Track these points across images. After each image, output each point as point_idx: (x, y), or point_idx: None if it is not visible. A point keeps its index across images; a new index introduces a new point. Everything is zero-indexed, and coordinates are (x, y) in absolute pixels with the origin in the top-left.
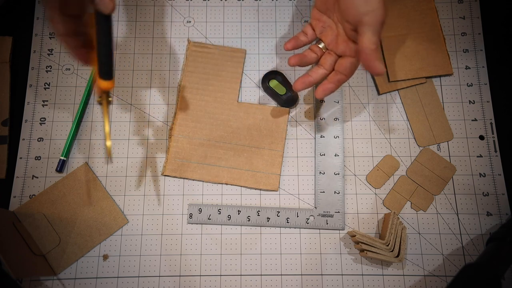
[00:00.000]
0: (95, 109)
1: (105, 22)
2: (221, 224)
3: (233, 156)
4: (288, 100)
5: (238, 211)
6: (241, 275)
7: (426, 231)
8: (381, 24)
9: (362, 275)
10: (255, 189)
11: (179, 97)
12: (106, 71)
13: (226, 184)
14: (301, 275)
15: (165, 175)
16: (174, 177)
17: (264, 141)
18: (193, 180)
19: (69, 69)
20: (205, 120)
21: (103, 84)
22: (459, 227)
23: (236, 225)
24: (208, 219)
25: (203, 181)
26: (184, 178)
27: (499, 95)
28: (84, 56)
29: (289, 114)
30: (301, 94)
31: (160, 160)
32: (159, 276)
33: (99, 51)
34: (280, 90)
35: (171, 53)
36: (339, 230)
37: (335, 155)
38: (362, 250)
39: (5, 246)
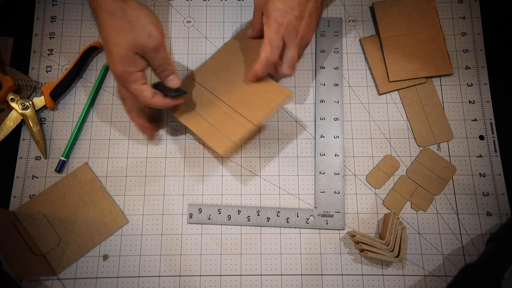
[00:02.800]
0: (95, 109)
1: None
2: (221, 224)
3: (214, 109)
4: (178, 90)
5: (238, 211)
6: (241, 275)
7: (426, 231)
8: None
9: (362, 275)
10: (204, 145)
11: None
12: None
13: (189, 131)
14: (301, 275)
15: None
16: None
17: (247, 111)
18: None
19: None
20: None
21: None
22: (459, 227)
23: (236, 225)
24: (208, 219)
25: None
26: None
27: (499, 95)
28: (150, 131)
29: (287, 97)
30: (301, 95)
31: (161, 160)
32: (159, 276)
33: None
34: None
35: (171, 53)
36: (339, 230)
37: (335, 155)
38: (362, 250)
39: (5, 246)
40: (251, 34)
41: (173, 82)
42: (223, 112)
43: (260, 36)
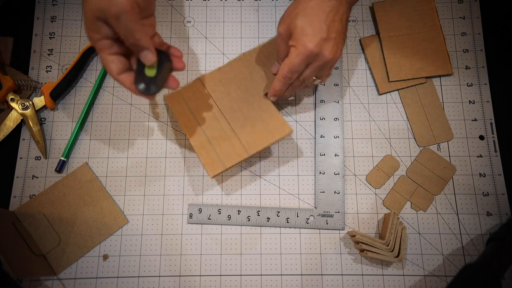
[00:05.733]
0: (95, 109)
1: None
2: (221, 224)
3: (215, 125)
4: (147, 88)
5: (238, 211)
6: (241, 275)
7: (426, 231)
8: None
9: (362, 275)
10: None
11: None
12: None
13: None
14: (301, 275)
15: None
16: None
17: (245, 137)
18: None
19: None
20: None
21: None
22: (459, 227)
23: (236, 225)
24: (208, 219)
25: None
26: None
27: (499, 95)
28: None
29: (286, 135)
30: (301, 95)
31: (161, 160)
32: (159, 276)
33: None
34: (150, 72)
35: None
36: (339, 230)
37: (335, 155)
38: (362, 250)
39: (5, 246)
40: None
41: (146, 58)
42: (223, 131)
43: None
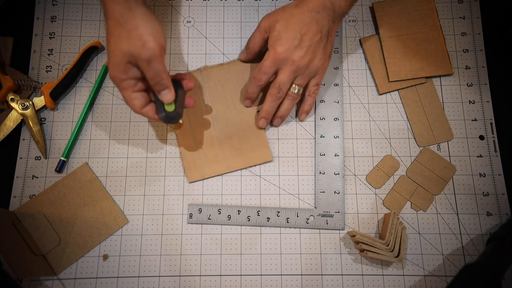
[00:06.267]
0: (95, 109)
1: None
2: (221, 224)
3: (207, 137)
4: (169, 117)
5: (238, 211)
6: (241, 275)
7: (426, 231)
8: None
9: (362, 275)
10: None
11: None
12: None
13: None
14: (301, 275)
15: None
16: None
17: (231, 155)
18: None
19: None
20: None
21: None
22: (459, 227)
23: (236, 225)
24: (208, 219)
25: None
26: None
27: (499, 95)
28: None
29: (265, 161)
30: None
31: (161, 160)
32: (159, 276)
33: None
34: (170, 107)
35: (171, 53)
36: (339, 230)
37: (335, 155)
38: (362, 250)
39: (5, 246)
40: (245, 57)
41: (166, 97)
42: (211, 140)
43: (253, 59)
